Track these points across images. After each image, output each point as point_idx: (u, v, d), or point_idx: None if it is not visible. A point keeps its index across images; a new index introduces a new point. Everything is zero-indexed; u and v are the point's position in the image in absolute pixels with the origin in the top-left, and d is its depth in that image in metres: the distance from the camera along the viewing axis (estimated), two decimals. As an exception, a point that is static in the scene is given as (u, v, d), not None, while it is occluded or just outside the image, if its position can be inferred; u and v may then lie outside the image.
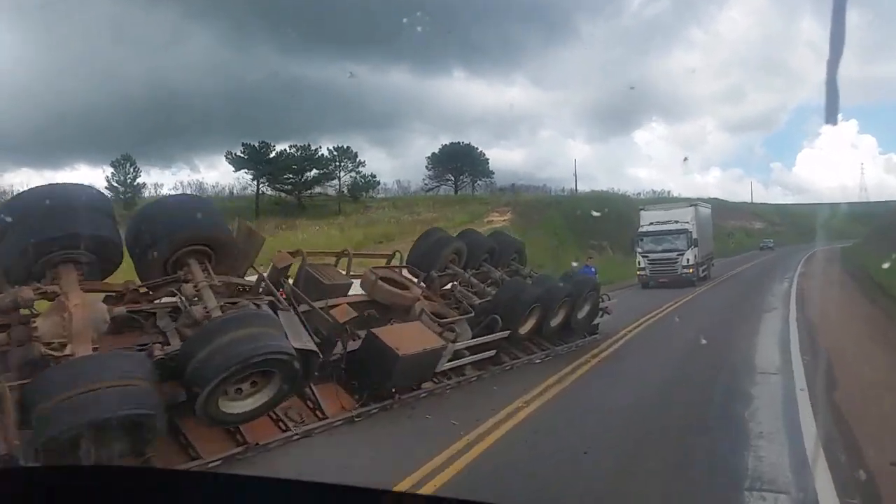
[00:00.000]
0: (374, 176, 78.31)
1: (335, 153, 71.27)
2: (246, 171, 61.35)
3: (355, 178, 70.25)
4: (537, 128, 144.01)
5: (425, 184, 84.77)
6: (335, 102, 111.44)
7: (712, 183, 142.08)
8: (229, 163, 60.61)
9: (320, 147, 70.76)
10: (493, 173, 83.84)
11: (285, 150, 63.64)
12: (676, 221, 28.63)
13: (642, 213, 30.43)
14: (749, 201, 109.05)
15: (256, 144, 61.79)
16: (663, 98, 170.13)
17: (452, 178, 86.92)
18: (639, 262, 28.89)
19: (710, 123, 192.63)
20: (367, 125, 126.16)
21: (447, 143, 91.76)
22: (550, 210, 58.56)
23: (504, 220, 50.24)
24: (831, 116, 2.84)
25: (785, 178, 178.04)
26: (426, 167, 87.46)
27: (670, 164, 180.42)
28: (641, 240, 28.91)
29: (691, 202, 29.94)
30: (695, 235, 28.72)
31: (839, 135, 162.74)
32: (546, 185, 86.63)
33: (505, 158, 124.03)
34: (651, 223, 29.28)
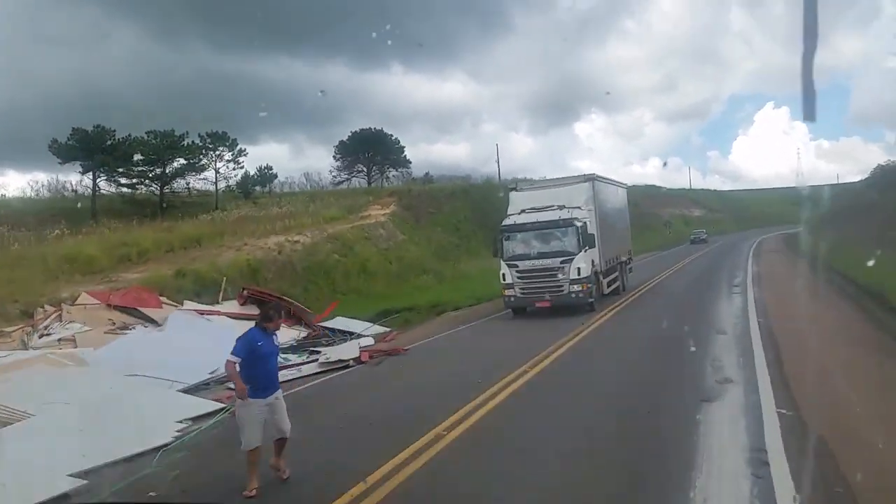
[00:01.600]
0: (269, 168, 66.30)
1: (208, 140, 58.30)
2: (76, 161, 47.76)
3: (244, 171, 57.91)
4: (480, 122, 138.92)
5: (333, 176, 72.42)
6: (272, 99, 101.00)
7: (652, 172, 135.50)
8: (53, 153, 47.03)
9: (187, 133, 57.04)
10: (410, 163, 72.27)
11: (130, 136, 50.29)
12: (562, 207, 17.18)
13: (512, 194, 18.96)
14: (688, 188, 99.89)
15: (90, 129, 48.31)
16: (600, 90, 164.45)
17: (364, 169, 74.71)
18: (503, 276, 17.35)
19: (647, 114, 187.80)
20: (306, 122, 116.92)
21: (357, 129, 79.15)
22: (456, 201, 47.11)
23: (384, 214, 38.38)
24: (809, 112, 2.09)
25: (722, 166, 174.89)
26: (333, 156, 75.10)
27: (611, 155, 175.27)
28: (507, 238, 17.38)
29: (587, 176, 18.51)
30: (592, 229, 17.36)
31: (772, 122, 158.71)
32: (470, 176, 75.51)
33: (450, 154, 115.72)
34: (523, 211, 17.76)
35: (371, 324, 18.92)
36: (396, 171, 73.20)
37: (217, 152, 58.93)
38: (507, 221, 17.72)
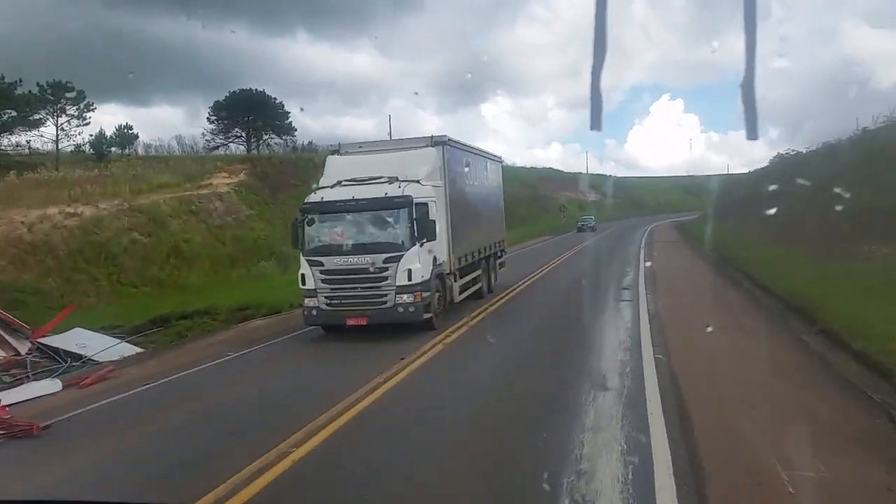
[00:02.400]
0: (129, 128, 57.77)
1: (47, 91, 48.87)
2: None
3: (99, 130, 49.47)
4: (388, 97, 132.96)
5: (206, 141, 64.06)
6: (168, 59, 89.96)
7: (554, 157, 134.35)
8: None
9: (19, 82, 46.99)
10: (296, 130, 64.83)
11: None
12: (393, 180, 11.62)
13: (330, 160, 13.27)
14: (584, 172, 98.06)
15: None
16: (508, 72, 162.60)
17: (243, 134, 66.64)
18: (302, 278, 11.62)
19: (550, 100, 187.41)
20: (205, 86, 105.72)
21: (237, 90, 70.16)
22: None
23: (228, 184, 31.54)
24: (595, 123, 2.16)
25: (618, 154, 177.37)
26: (207, 118, 66.49)
27: (516, 138, 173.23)
28: (309, 222, 11.62)
29: (436, 139, 12.98)
30: (437, 213, 12.03)
31: (667, 113, 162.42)
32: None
33: (357, 127, 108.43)
34: (338, 183, 12.06)
35: (119, 340, 12.85)
36: (280, 138, 65.50)
37: (59, 105, 49.78)
38: (311, 198, 11.93)
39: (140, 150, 58.54)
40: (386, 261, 11.09)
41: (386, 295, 11.16)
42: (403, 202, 11.20)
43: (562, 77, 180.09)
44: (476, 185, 15.69)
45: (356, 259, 11.19)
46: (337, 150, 13.47)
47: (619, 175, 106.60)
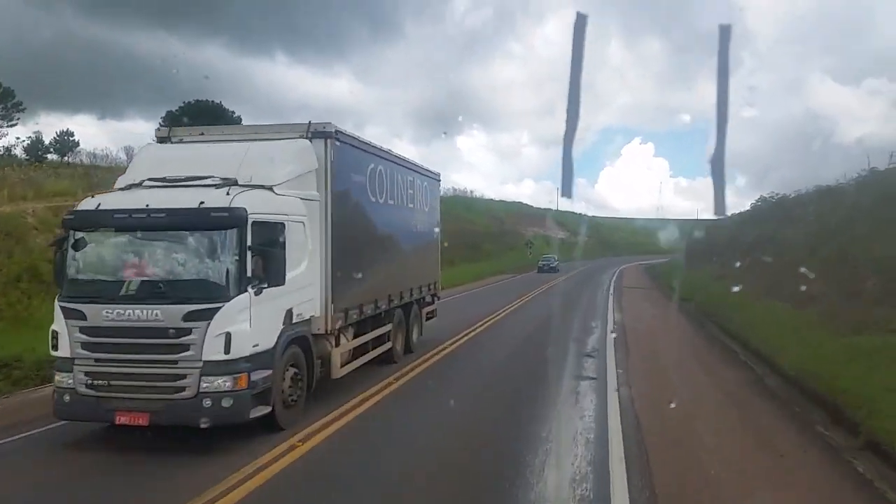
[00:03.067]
0: (70, 135, 52.96)
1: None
2: None
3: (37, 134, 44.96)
4: (364, 124, 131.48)
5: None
6: (142, 73, 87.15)
7: (526, 193, 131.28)
8: None
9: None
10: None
11: None
12: (225, 183, 7.00)
13: (144, 149, 8.62)
14: (555, 209, 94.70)
15: None
16: (484, 107, 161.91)
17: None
18: (54, 335, 6.81)
19: (525, 136, 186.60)
20: (179, 101, 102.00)
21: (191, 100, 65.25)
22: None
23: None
24: (566, 190, 2.28)
25: (589, 193, 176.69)
26: (157, 128, 60.68)
27: (491, 172, 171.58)
28: (75, 248, 6.88)
29: (315, 130, 8.46)
30: (299, 240, 7.38)
31: (638, 156, 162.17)
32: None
33: None
34: (143, 182, 7.35)
35: None
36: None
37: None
38: (83, 204, 7.22)
39: (84, 159, 53.83)
40: (188, 317, 6.42)
41: (184, 376, 6.46)
42: (229, 219, 6.59)
43: (536, 114, 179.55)
44: (392, 205, 11.16)
45: (140, 311, 6.49)
46: (167, 135, 8.78)
47: (590, 214, 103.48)
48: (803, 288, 15.47)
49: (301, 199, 7.97)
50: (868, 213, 17.22)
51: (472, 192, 78.08)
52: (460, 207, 69.03)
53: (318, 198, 8.31)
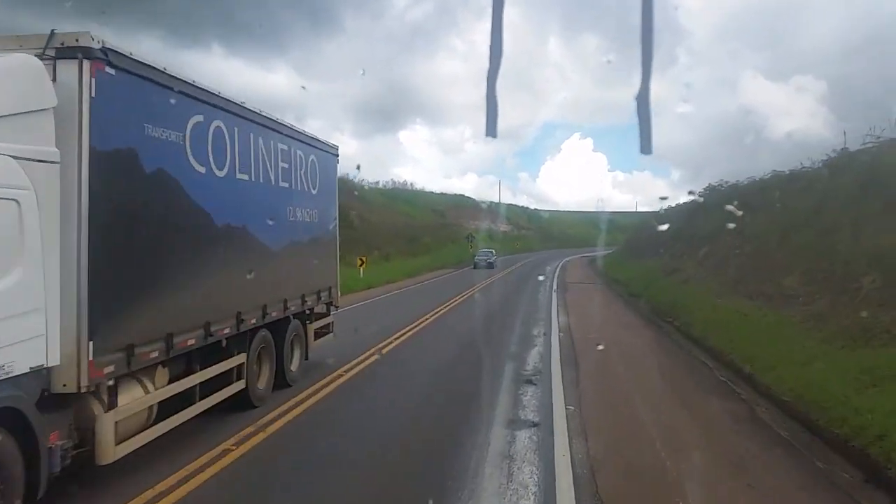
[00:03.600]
0: None
1: None
2: None
3: None
4: (305, 117, 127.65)
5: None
6: None
7: (469, 187, 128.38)
8: None
9: None
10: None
11: None
12: None
13: None
14: (497, 201, 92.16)
15: None
16: (426, 101, 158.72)
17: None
18: None
19: (467, 131, 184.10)
20: None
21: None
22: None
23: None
24: (491, 129, 2.16)
25: (530, 187, 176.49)
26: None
27: (434, 166, 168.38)
28: None
29: (65, 42, 4.98)
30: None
31: (577, 151, 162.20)
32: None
33: None
34: None
35: None
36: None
37: None
38: None
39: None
40: None
41: None
42: None
43: (479, 109, 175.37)
44: (246, 182, 7.62)
45: None
46: None
47: (532, 207, 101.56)
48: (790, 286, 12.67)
49: (15, 158, 4.40)
50: (850, 199, 14.75)
51: (412, 184, 74.55)
52: (400, 201, 65.54)
53: (56, 158, 4.73)
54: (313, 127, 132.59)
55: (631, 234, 57.82)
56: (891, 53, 77.32)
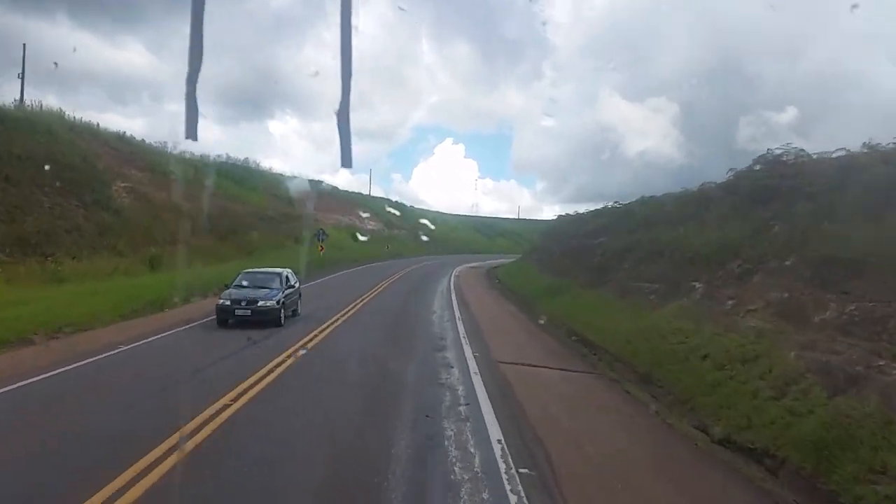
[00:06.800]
0: None
1: None
2: None
3: None
4: (162, 98, 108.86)
5: None
6: None
7: (342, 184, 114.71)
8: None
9: None
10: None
11: None
12: None
13: None
14: (366, 193, 76.50)
15: None
16: (296, 92, 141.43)
17: None
18: None
19: None
20: None
21: None
22: None
23: None
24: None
25: (404, 189, 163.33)
26: None
27: (306, 159, 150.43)
28: None
29: None
30: None
31: (450, 156, 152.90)
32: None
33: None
34: None
35: None
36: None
37: None
38: None
39: None
40: None
41: None
42: None
43: (351, 105, 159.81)
44: None
45: None
46: None
47: (409, 205, 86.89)
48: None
49: None
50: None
51: (253, 161, 56.55)
52: (228, 180, 47.53)
53: None
54: (171, 110, 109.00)
55: (532, 245, 45.41)
56: (732, 83, 78.61)
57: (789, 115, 61.11)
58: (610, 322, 12.74)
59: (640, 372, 9.63)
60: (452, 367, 10.26)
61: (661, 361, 9.30)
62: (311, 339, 12.44)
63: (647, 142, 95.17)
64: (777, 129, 51.35)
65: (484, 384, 8.99)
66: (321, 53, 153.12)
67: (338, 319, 15.48)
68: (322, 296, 20.40)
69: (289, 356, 10.25)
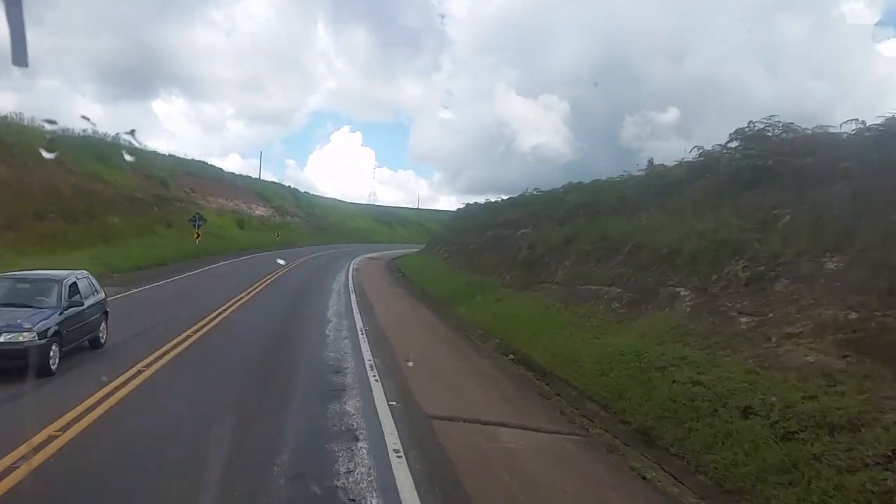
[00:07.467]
0: None
1: None
2: None
3: None
4: (35, 73, 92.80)
5: None
6: None
7: (232, 167, 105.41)
8: None
9: None
10: None
11: None
12: None
13: None
14: (256, 177, 69.89)
15: None
16: (183, 72, 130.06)
17: None
18: None
19: (230, 109, 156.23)
20: None
21: None
22: None
23: None
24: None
25: (298, 176, 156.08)
26: None
27: (193, 143, 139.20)
28: None
29: None
30: None
31: (347, 144, 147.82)
32: None
33: None
34: None
35: None
36: None
37: None
38: None
39: None
40: None
41: None
42: None
43: (241, 88, 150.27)
44: None
45: None
46: None
47: (302, 190, 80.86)
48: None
49: None
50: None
51: (128, 140, 49.01)
52: (89, 156, 40.32)
53: None
54: (46, 87, 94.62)
55: (445, 232, 42.39)
56: (620, 84, 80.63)
57: (671, 115, 63.15)
58: (563, 339, 9.65)
59: (633, 426, 6.54)
60: (358, 442, 5.88)
61: (668, 412, 6.26)
62: (97, 404, 6.60)
63: (541, 137, 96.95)
64: (660, 129, 52.53)
65: (416, 488, 4.91)
66: (209, 34, 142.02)
67: (173, 348, 9.62)
68: (170, 302, 15.35)
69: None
